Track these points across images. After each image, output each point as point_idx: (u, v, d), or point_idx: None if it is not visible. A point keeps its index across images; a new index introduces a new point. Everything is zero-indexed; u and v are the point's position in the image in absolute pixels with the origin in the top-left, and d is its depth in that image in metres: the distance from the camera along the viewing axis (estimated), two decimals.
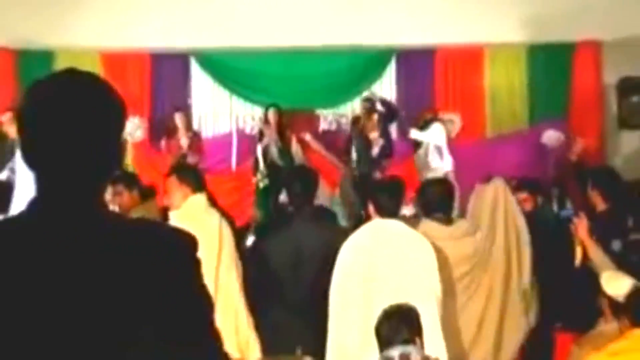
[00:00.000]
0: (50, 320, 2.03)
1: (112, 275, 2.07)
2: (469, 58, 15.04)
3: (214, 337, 2.24)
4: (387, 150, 13.13)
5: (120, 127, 2.23)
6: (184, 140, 13.64)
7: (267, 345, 6.21)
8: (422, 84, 15.06)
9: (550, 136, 13.98)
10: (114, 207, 8.75)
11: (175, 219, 6.02)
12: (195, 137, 13.84)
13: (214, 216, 6.46)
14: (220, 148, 14.33)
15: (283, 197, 7.14)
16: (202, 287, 2.22)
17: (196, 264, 2.21)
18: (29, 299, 2.04)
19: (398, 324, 5.09)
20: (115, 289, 2.07)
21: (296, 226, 6.57)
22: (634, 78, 14.28)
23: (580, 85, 14.88)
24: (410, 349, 4.98)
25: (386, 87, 15.19)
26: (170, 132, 13.87)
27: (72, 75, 2.19)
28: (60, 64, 14.43)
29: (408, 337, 5.04)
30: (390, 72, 15.21)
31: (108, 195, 9.33)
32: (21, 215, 2.16)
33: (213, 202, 6.90)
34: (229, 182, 13.58)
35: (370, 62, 15.13)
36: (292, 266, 6.31)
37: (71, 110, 2.10)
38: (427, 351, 5.21)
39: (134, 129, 14.05)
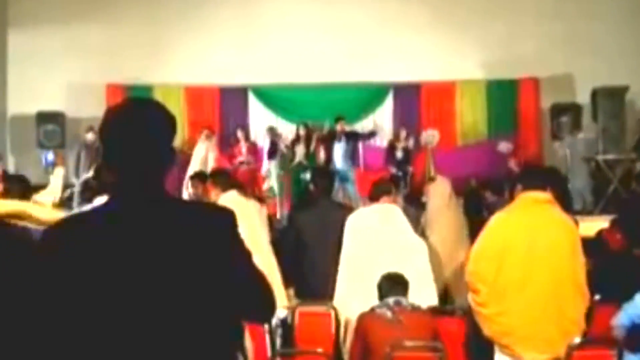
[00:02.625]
0: (138, 275, 2.01)
1: (181, 238, 2.07)
2: (445, 91, 14.97)
3: (260, 277, 2.23)
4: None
5: (171, 136, 2.21)
6: (244, 148, 13.72)
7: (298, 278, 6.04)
8: (411, 109, 15.01)
9: (503, 146, 13.90)
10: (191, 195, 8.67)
11: None
12: (251, 146, 14.00)
13: (244, 202, 6.28)
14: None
15: (312, 187, 7.07)
16: (243, 243, 2.20)
17: (236, 227, 2.19)
18: (123, 260, 2.02)
19: (394, 284, 4.89)
20: (185, 248, 2.06)
21: (321, 206, 6.37)
22: (561, 104, 14.10)
23: (524, 109, 14.85)
24: (401, 298, 4.81)
25: (386, 111, 15.14)
26: (234, 142, 14.03)
27: (136, 102, 2.28)
28: (156, 96, 14.38)
29: (401, 294, 4.84)
30: (389, 100, 15.10)
31: (189, 187, 9.24)
32: (109, 200, 2.16)
33: (245, 192, 6.75)
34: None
35: (374, 94, 15.12)
36: (317, 233, 6.08)
37: (138, 126, 2.13)
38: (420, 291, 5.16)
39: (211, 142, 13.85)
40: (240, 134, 13.94)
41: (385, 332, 4.64)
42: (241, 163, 13.53)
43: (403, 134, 13.83)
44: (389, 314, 4.71)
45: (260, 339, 5.34)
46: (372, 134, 14.13)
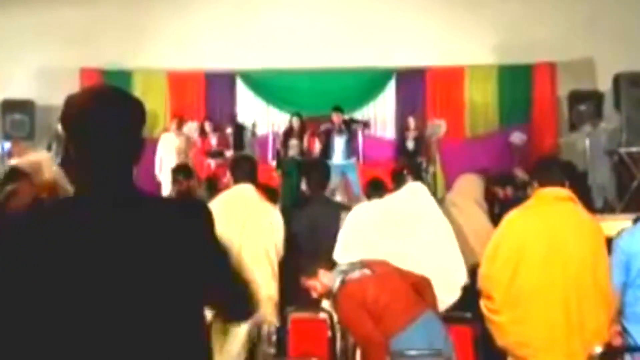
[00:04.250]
0: (101, 273, 2.03)
1: (149, 236, 2.10)
2: (452, 76, 14.90)
3: (236, 275, 2.32)
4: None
5: (141, 126, 2.23)
6: (213, 140, 13.72)
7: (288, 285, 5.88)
8: (416, 96, 14.95)
9: (516, 137, 13.92)
10: (173, 193, 8.56)
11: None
12: (223, 136, 13.81)
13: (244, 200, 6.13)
14: (259, 147, 14.01)
15: (303, 184, 6.93)
16: (217, 242, 2.26)
17: (210, 225, 2.24)
18: (86, 259, 2.03)
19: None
20: (152, 247, 2.09)
21: (314, 205, 6.31)
22: (580, 91, 14.01)
23: (539, 97, 14.79)
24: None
25: (388, 99, 15.11)
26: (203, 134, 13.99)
27: (101, 89, 2.30)
28: (136, 82, 14.48)
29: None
30: (391, 87, 15.07)
31: (170, 183, 9.18)
32: (75, 195, 2.20)
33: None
34: (267, 173, 13.35)
35: (376, 80, 15.05)
36: (308, 234, 6.04)
37: (105, 116, 2.14)
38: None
39: (193, 131, 14.01)
40: (207, 124, 13.81)
41: (368, 290, 4.65)
42: (213, 155, 13.40)
43: (412, 122, 13.78)
44: (367, 270, 4.75)
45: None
46: (365, 125, 13.98)
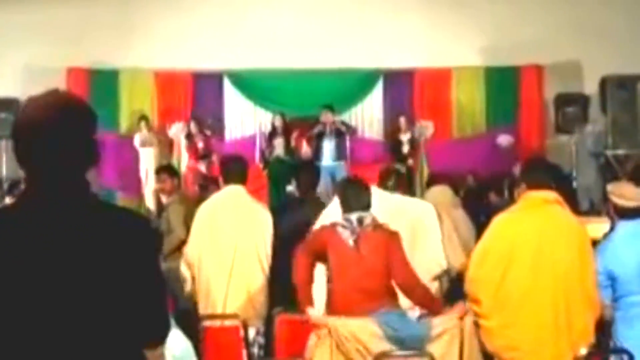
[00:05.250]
0: (42, 277, 2.07)
1: (91, 244, 2.12)
2: (440, 78, 14.91)
3: (159, 299, 2.29)
4: None
5: (91, 130, 2.26)
6: (200, 143, 13.67)
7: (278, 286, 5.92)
8: (403, 98, 14.94)
9: (503, 139, 13.94)
10: (158, 190, 8.61)
11: None
12: (207, 138, 13.82)
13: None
14: (246, 147, 13.99)
15: (291, 187, 6.91)
16: (155, 259, 2.31)
17: (151, 243, 2.29)
18: (30, 261, 2.07)
19: (359, 195, 4.92)
20: (92, 257, 2.11)
21: (305, 207, 6.28)
22: (567, 94, 14.04)
23: (525, 99, 14.79)
24: (365, 214, 4.83)
25: (376, 100, 15.11)
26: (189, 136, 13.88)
27: (53, 95, 2.28)
28: (123, 81, 14.46)
29: (367, 203, 4.88)
30: (379, 88, 15.07)
31: (155, 182, 9.18)
32: (19, 201, 2.23)
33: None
34: (254, 173, 13.32)
35: (363, 81, 15.05)
36: (301, 234, 5.92)
37: (52, 123, 2.18)
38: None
39: (179, 131, 13.96)
40: (193, 125, 13.76)
41: (343, 259, 4.77)
42: (201, 158, 13.38)
43: (403, 123, 13.77)
44: (351, 241, 4.75)
45: (237, 350, 5.32)
46: (352, 132, 14.03)
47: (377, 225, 4.82)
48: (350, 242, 4.76)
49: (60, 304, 2.08)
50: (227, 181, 6.13)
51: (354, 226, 4.77)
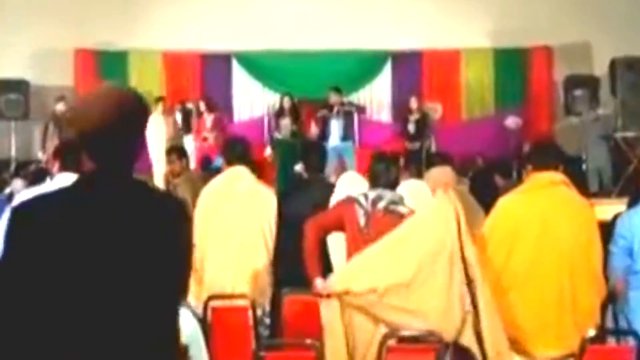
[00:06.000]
0: (97, 253, 2.27)
1: (140, 226, 2.36)
2: (449, 60, 14.93)
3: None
4: None
5: (146, 123, 2.51)
6: (208, 122, 13.41)
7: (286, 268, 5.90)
8: (412, 79, 14.91)
9: (511, 121, 13.86)
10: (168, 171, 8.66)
11: None
12: (217, 118, 13.53)
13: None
14: (254, 128, 14.02)
15: (299, 167, 6.86)
16: (189, 237, 2.58)
17: (185, 221, 2.56)
18: (86, 248, 2.27)
19: (388, 167, 4.97)
20: (142, 237, 2.36)
21: (313, 189, 6.26)
22: (576, 76, 13.99)
23: (534, 81, 14.84)
24: (386, 193, 4.86)
25: (384, 81, 15.12)
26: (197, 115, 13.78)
27: (112, 91, 2.47)
28: (131, 63, 14.47)
29: (394, 180, 4.96)
30: (387, 70, 15.07)
31: (165, 163, 9.21)
32: (82, 184, 2.41)
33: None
34: (261, 154, 13.37)
35: (371, 62, 15.08)
36: (308, 216, 5.93)
37: (113, 117, 2.37)
38: None
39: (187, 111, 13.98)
40: (202, 104, 13.55)
41: (354, 236, 4.84)
42: (204, 139, 13.32)
43: (414, 104, 13.66)
44: (362, 220, 4.80)
45: (245, 329, 5.34)
46: (361, 110, 14.02)
47: (389, 210, 4.82)
48: (362, 221, 4.80)
49: (119, 274, 2.29)
50: (230, 162, 6.13)
51: (367, 207, 4.81)
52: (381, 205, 4.80)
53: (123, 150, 2.41)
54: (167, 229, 2.42)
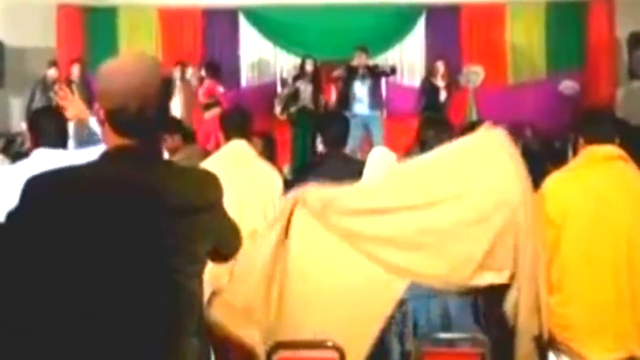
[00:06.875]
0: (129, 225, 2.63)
1: (171, 201, 2.71)
2: (492, 15, 14.94)
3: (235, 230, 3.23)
4: None
5: (168, 97, 2.94)
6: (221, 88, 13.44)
7: None
8: (448, 38, 15.00)
9: (567, 86, 13.89)
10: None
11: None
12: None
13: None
14: (265, 95, 14.05)
15: (318, 141, 6.85)
16: (223, 208, 3.01)
17: (220, 194, 2.97)
18: (108, 224, 2.60)
19: (440, 132, 5.14)
20: (175, 212, 2.71)
21: (332, 166, 6.25)
22: None
23: (593, 39, 14.79)
24: None
25: (416, 41, 15.17)
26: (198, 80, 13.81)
27: (137, 58, 2.79)
28: (122, 20, 14.50)
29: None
30: (420, 27, 15.10)
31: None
32: (107, 159, 2.73)
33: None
34: (274, 125, 13.37)
35: (401, 18, 15.10)
36: None
37: (139, 87, 2.68)
38: None
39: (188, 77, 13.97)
40: (203, 70, 13.68)
41: None
42: (208, 106, 13.34)
43: (441, 68, 13.71)
44: None
45: None
46: (392, 71, 13.82)
47: None
48: None
49: (149, 249, 2.65)
50: (228, 136, 6.14)
51: None
52: None
53: (150, 125, 2.72)
54: (200, 204, 2.79)
